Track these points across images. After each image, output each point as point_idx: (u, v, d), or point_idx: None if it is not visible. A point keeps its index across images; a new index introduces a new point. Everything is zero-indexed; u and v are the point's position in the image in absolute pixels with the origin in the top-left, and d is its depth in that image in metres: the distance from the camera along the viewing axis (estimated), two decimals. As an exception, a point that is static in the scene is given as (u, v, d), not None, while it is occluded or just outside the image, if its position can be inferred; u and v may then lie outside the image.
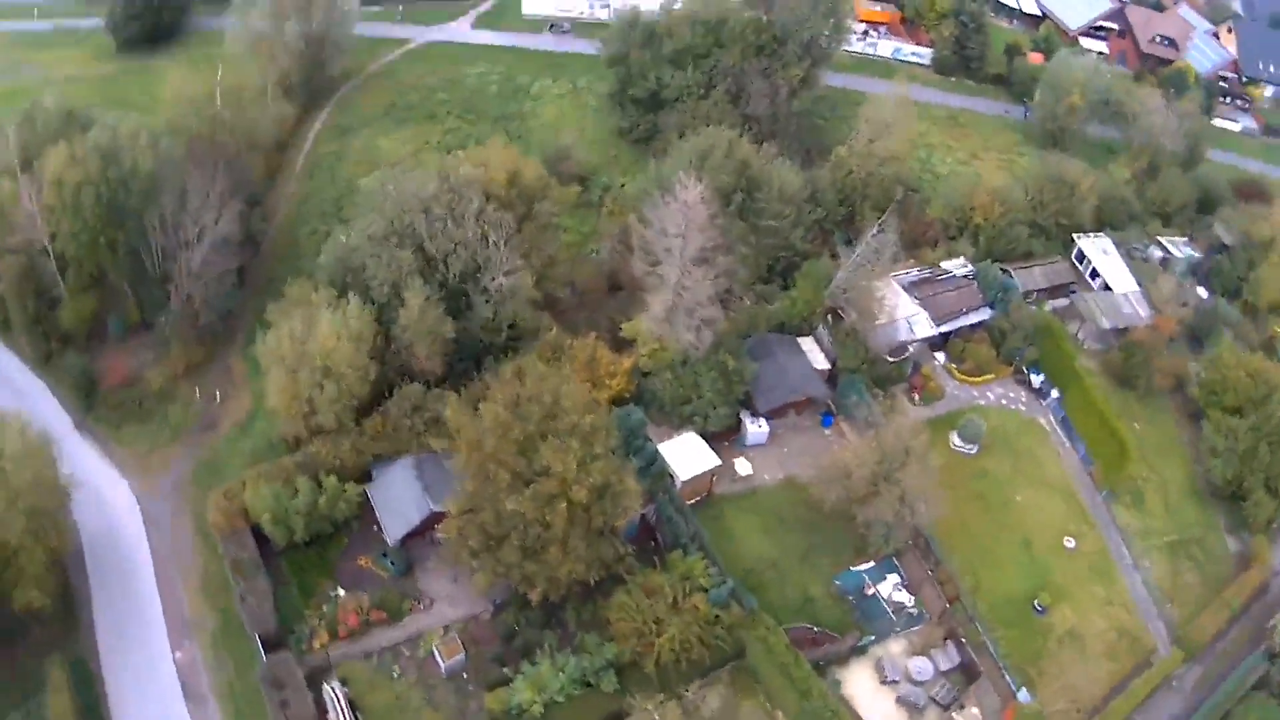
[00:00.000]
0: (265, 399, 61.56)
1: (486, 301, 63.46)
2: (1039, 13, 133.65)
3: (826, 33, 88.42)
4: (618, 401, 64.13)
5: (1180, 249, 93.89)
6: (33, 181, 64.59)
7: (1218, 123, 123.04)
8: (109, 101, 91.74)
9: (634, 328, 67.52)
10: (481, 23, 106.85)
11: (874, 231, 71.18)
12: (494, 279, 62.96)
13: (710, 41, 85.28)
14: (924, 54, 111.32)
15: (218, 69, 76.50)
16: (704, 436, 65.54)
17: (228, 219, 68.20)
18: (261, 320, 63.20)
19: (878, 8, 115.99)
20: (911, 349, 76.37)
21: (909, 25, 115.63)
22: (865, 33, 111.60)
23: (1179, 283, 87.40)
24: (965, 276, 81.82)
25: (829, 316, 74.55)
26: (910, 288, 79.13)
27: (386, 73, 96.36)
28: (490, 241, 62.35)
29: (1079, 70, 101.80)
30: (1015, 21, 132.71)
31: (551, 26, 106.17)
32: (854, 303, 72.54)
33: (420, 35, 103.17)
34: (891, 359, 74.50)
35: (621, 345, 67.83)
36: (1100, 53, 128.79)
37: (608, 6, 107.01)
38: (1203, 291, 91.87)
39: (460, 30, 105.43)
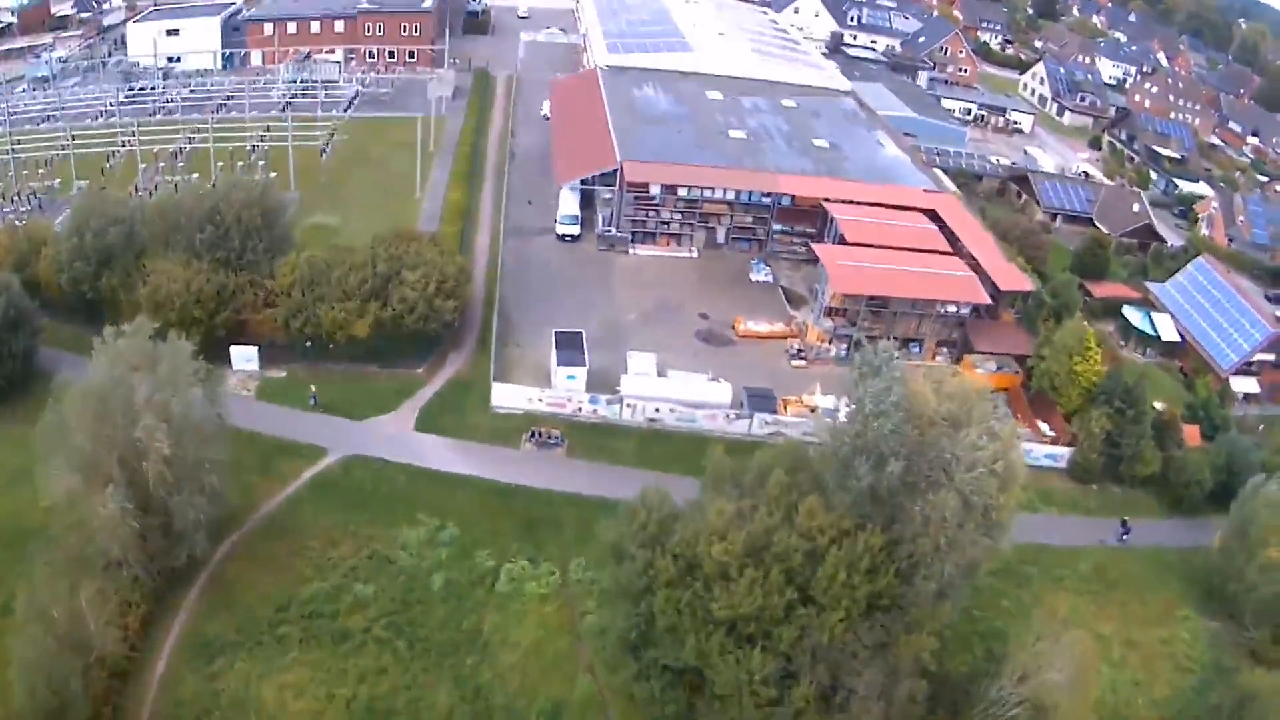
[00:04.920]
0: None
1: None
2: (1178, 338, 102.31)
3: (977, 550, 52.63)
4: None
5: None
6: None
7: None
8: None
9: None
10: (430, 420, 70.66)
11: None
12: None
13: (790, 597, 50.21)
14: (1059, 455, 78.12)
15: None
16: None
17: None
18: None
19: (992, 366, 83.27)
20: None
21: (1031, 394, 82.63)
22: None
23: None
24: None
25: None
26: None
27: (282, 523, 60.62)
28: None
29: (1280, 504, 70.03)
30: (1149, 351, 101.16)
31: (534, 435, 70.01)
32: None
33: (340, 441, 67.83)
34: None
35: None
36: (1249, 394, 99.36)
37: (619, 400, 72.87)
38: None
39: (399, 432, 69.48)
